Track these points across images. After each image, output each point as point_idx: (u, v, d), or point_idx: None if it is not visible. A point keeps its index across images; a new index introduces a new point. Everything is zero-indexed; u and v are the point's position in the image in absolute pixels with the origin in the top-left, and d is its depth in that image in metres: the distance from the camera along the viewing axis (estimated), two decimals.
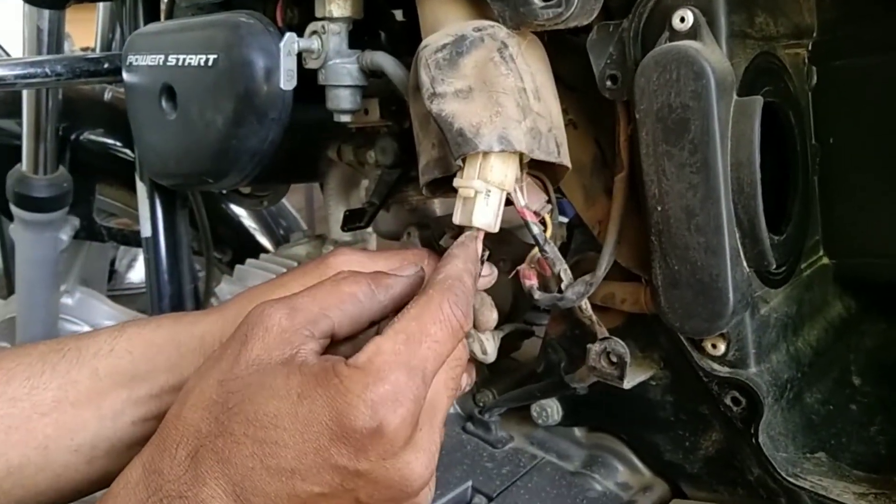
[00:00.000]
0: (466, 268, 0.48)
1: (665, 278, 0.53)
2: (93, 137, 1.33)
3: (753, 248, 0.51)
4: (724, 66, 0.50)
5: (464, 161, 0.52)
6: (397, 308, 0.48)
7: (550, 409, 0.70)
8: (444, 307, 0.44)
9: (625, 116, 0.55)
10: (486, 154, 0.51)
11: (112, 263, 1.94)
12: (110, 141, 1.34)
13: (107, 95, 1.35)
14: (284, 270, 0.98)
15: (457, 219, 0.53)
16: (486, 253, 0.55)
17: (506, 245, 0.81)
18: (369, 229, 1.03)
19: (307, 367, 0.41)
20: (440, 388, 0.45)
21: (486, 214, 0.52)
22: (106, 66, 0.99)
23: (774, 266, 0.53)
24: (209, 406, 0.41)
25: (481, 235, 0.53)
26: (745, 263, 0.52)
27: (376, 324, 0.50)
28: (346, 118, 0.72)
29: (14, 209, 1.22)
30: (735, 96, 0.51)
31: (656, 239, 0.53)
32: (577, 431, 0.71)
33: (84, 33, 1.59)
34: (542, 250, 0.54)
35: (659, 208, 0.52)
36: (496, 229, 0.53)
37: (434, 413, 0.44)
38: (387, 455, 0.40)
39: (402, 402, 0.40)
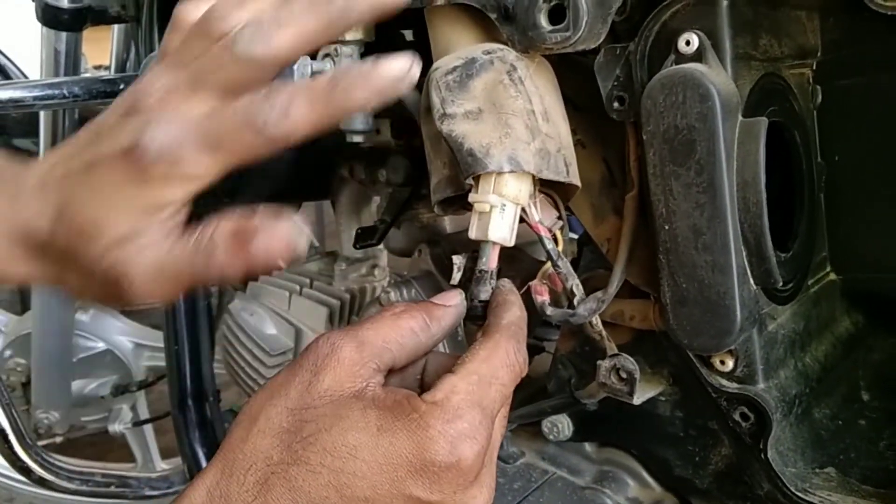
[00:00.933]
0: (524, 315, 0.51)
1: (673, 296, 0.54)
2: None
3: (760, 266, 0.52)
4: (730, 87, 0.51)
5: (475, 180, 0.53)
6: (444, 337, 0.51)
7: (561, 425, 0.70)
8: (510, 353, 0.47)
9: (633, 137, 0.56)
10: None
11: None
12: None
13: None
14: (297, 287, 0.99)
15: (472, 233, 0.54)
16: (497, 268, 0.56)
17: (515, 262, 0.82)
18: (380, 246, 1.04)
19: (380, 400, 0.43)
20: (498, 427, 0.47)
21: (501, 228, 0.53)
22: (122, 87, 1.01)
23: (781, 283, 0.54)
24: (280, 434, 0.42)
25: (497, 249, 0.54)
26: (752, 281, 0.53)
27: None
28: (358, 138, 0.73)
29: None
30: (740, 117, 0.52)
31: (664, 257, 0.53)
32: (588, 447, 0.72)
33: (97, 52, 1.62)
34: (555, 265, 0.55)
35: (667, 227, 0.53)
36: (511, 243, 0.54)
37: (493, 451, 0.47)
38: (458, 489, 0.42)
39: (477, 440, 0.42)
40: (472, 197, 0.54)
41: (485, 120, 0.54)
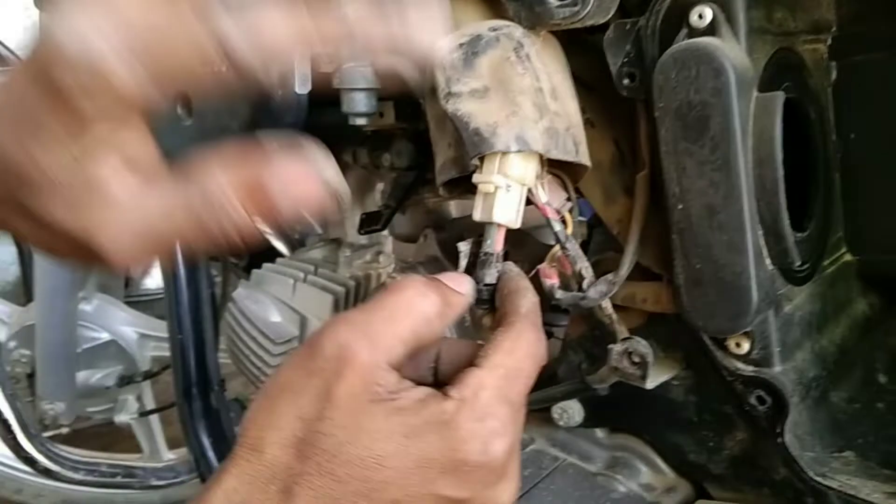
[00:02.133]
0: (538, 301, 0.49)
1: (687, 277, 0.52)
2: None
3: (777, 246, 0.51)
4: (744, 62, 0.50)
5: (481, 160, 0.52)
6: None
7: (572, 411, 0.69)
8: (532, 343, 0.45)
9: (644, 115, 0.55)
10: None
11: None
12: None
13: None
14: (301, 274, 0.98)
15: (477, 215, 0.53)
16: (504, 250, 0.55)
17: (523, 246, 0.81)
18: (385, 232, 1.03)
19: (402, 403, 0.41)
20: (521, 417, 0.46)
21: (506, 210, 0.52)
22: None
23: (798, 263, 0.52)
24: (296, 444, 0.41)
25: (502, 231, 0.52)
26: (768, 261, 0.51)
27: None
28: (361, 121, 0.71)
29: None
30: (755, 92, 0.50)
31: (678, 237, 0.52)
32: (599, 432, 0.71)
33: None
34: (563, 248, 0.54)
35: (680, 206, 0.51)
36: (517, 225, 0.53)
37: (519, 443, 0.46)
38: (488, 485, 0.42)
39: (507, 437, 0.42)
40: (476, 178, 0.53)
41: (491, 98, 0.53)
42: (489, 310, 0.53)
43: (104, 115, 0.35)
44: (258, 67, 0.34)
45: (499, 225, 0.52)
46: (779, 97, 0.49)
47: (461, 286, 0.49)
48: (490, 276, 0.52)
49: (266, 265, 1.06)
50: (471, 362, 0.47)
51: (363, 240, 1.01)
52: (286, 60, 0.35)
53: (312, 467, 0.40)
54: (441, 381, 0.49)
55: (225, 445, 1.00)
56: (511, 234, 0.82)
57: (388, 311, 0.44)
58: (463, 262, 0.56)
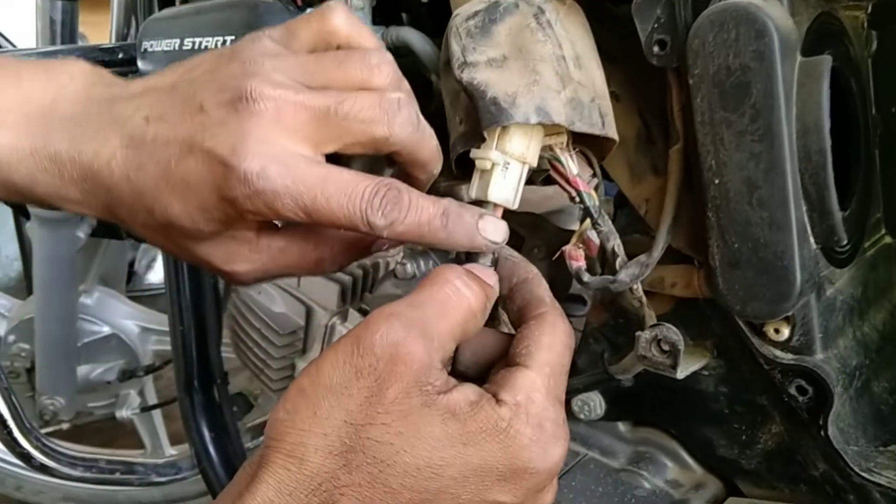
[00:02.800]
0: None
1: (723, 258, 0.49)
2: None
3: (822, 223, 0.47)
4: (788, 23, 0.46)
5: (490, 135, 0.48)
6: None
7: (593, 403, 0.66)
8: (567, 333, 0.44)
9: (676, 84, 0.51)
10: (505, 125, 0.47)
11: (131, 265, 1.93)
12: None
13: None
14: None
15: (472, 193, 0.49)
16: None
17: (540, 231, 0.77)
18: None
19: (457, 408, 0.39)
20: None
21: (503, 189, 0.48)
22: (121, 55, 0.96)
23: (845, 241, 0.48)
24: (343, 453, 0.38)
25: (499, 212, 0.49)
26: (812, 240, 0.48)
27: None
28: None
29: (30, 206, 1.19)
30: (799, 57, 0.46)
31: (713, 215, 0.48)
32: (622, 426, 0.67)
33: (97, 35, 1.57)
34: (595, 224, 0.50)
35: (716, 181, 0.47)
36: (515, 206, 0.49)
37: None
38: (540, 489, 0.41)
39: (565, 439, 0.41)
40: (473, 153, 0.49)
41: (510, 67, 0.49)
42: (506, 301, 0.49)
43: (252, 214, 0.43)
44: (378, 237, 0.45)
45: (495, 205, 0.48)
46: (826, 61, 0.46)
47: (489, 278, 0.46)
48: (483, 258, 0.48)
49: None
50: (498, 355, 0.45)
51: None
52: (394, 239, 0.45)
53: (363, 478, 0.37)
54: (462, 372, 0.45)
55: (227, 441, 0.97)
56: (527, 218, 0.79)
57: (439, 305, 0.41)
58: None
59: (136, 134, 0.43)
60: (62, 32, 1.10)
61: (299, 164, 0.42)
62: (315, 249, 0.48)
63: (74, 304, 1.37)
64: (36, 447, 1.23)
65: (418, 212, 0.43)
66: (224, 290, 1.18)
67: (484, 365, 0.45)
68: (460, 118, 0.53)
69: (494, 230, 0.46)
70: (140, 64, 0.84)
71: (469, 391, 0.40)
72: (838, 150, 0.54)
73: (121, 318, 1.47)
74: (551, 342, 0.42)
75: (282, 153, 0.41)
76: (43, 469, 1.25)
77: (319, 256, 0.49)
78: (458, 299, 0.42)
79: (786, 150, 0.45)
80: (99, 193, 0.44)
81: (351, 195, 0.42)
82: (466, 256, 0.49)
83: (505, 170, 0.48)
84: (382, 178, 0.43)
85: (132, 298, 1.57)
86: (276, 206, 0.41)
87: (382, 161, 0.94)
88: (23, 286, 1.73)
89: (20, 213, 1.30)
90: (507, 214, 0.49)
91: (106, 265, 1.51)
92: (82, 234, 1.26)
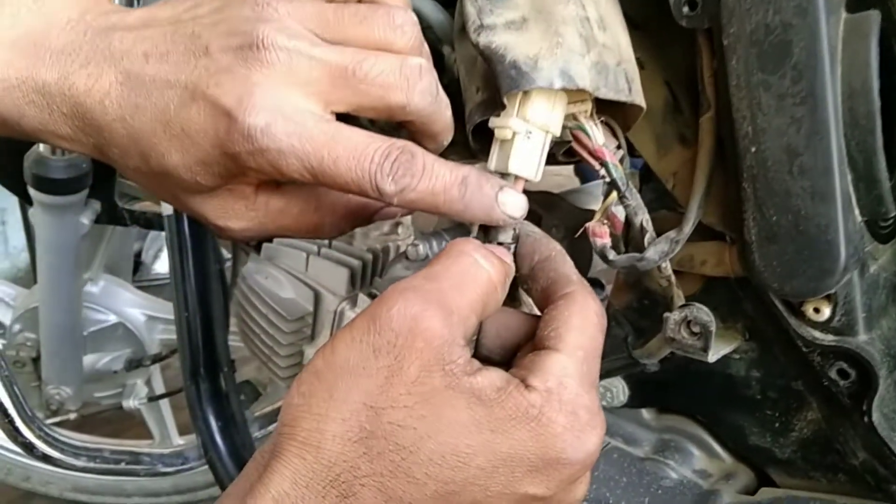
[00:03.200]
0: None
1: (760, 232, 0.45)
2: None
3: (869, 193, 0.44)
4: None
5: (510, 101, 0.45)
6: None
7: (616, 390, 0.63)
8: (599, 314, 0.40)
9: (708, 47, 0.48)
10: (527, 91, 0.44)
11: (138, 255, 1.91)
12: None
13: None
14: (314, 247, 0.92)
15: (492, 165, 0.46)
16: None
17: (558, 211, 0.74)
18: None
19: (483, 392, 0.36)
20: None
21: (525, 160, 0.45)
22: None
23: (893, 213, 0.45)
24: (363, 439, 0.35)
25: (520, 185, 0.45)
26: (857, 211, 0.44)
27: None
28: None
29: (32, 192, 1.17)
30: (844, 13, 0.43)
31: (749, 186, 0.45)
32: (646, 413, 0.64)
33: None
34: (622, 197, 0.47)
35: (753, 149, 0.44)
36: (537, 178, 0.46)
37: None
38: (573, 480, 0.38)
39: (600, 426, 0.38)
40: (492, 122, 0.46)
41: (530, 29, 0.46)
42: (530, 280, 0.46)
43: (256, 170, 0.40)
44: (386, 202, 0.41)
45: (516, 177, 0.45)
46: (874, 16, 0.42)
47: (504, 255, 0.43)
48: (504, 235, 0.45)
49: (277, 239, 1.00)
50: (523, 337, 0.42)
51: None
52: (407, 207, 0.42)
53: (385, 467, 0.35)
54: (485, 356, 0.42)
55: (235, 430, 0.94)
56: (544, 197, 0.75)
57: (457, 278, 0.38)
58: (475, 228, 0.48)
59: (132, 71, 0.40)
60: None
61: (307, 121, 0.39)
62: (315, 212, 0.45)
63: (79, 293, 1.35)
64: (39, 437, 1.21)
65: (433, 179, 0.40)
66: (231, 276, 1.15)
67: (509, 348, 0.42)
68: (477, 87, 0.50)
69: (514, 204, 0.43)
70: None
71: (495, 376, 0.37)
72: (885, 116, 0.51)
73: (127, 306, 1.45)
74: (582, 323, 0.39)
75: (290, 109, 0.38)
76: (46, 459, 1.23)
77: (319, 221, 0.46)
78: (477, 272, 0.39)
79: (830, 113, 0.42)
80: (90, 132, 0.41)
81: (360, 157, 0.38)
82: (484, 233, 0.46)
83: (527, 139, 0.45)
84: (396, 140, 0.40)
85: (140, 289, 1.55)
86: (280, 165, 0.38)
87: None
88: (31, 278, 1.71)
89: (23, 199, 1.27)
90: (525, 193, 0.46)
91: (111, 253, 1.49)
92: (87, 220, 1.23)
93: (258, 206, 0.44)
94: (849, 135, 0.43)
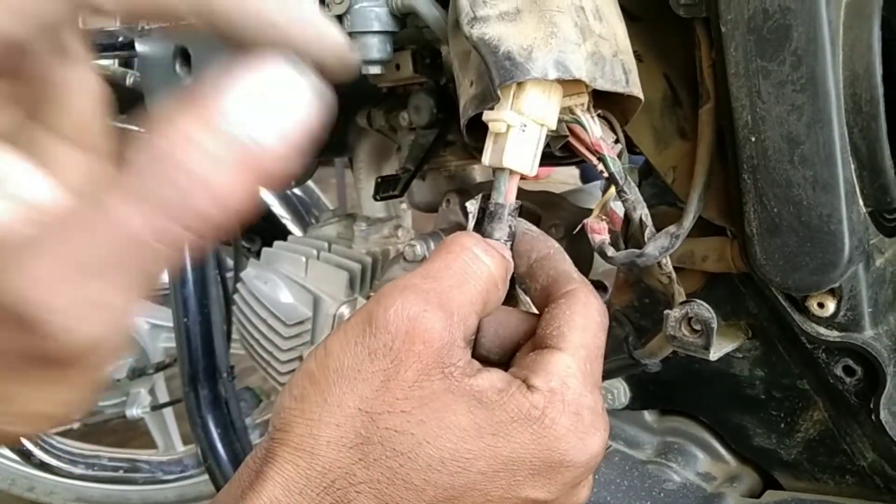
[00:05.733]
0: None
1: (762, 224, 0.44)
2: (114, 123, 1.27)
3: (873, 182, 0.42)
4: None
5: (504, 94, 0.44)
6: None
7: (616, 391, 0.61)
8: (601, 313, 0.39)
9: (706, 37, 0.46)
10: (521, 83, 0.43)
11: None
12: (132, 127, 1.29)
13: (129, 80, 1.29)
14: (314, 251, 0.91)
15: (486, 159, 0.44)
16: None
17: (557, 210, 0.73)
18: (404, 205, 0.95)
19: (483, 394, 0.35)
20: None
21: (519, 154, 0.43)
22: (121, 39, 0.93)
23: None
24: (359, 445, 0.34)
25: (515, 180, 0.44)
26: (861, 201, 0.43)
27: None
28: (375, 70, 0.64)
29: None
30: None
31: (749, 177, 0.44)
32: (648, 415, 0.63)
33: None
34: (620, 192, 0.45)
35: (753, 139, 0.43)
36: (532, 173, 0.44)
37: None
38: (576, 483, 0.37)
39: (604, 428, 0.37)
40: (486, 115, 0.44)
41: (524, 20, 0.45)
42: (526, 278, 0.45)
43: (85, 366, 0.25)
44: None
45: (511, 171, 0.44)
46: (876, 0, 0.41)
47: (503, 250, 0.42)
48: (499, 232, 0.44)
49: (277, 243, 0.99)
50: (522, 336, 0.41)
51: (380, 213, 0.93)
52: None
53: (381, 473, 0.33)
54: (484, 355, 0.41)
55: (234, 437, 0.93)
56: (543, 196, 0.74)
57: (457, 275, 0.37)
58: (471, 223, 0.47)
59: None
60: None
61: None
62: None
63: None
64: (35, 444, 1.20)
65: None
66: (233, 283, 1.14)
67: (507, 347, 0.41)
68: (471, 80, 0.49)
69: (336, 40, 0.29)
70: (137, 45, 0.81)
71: (496, 377, 0.36)
72: (888, 102, 0.50)
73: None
74: (585, 322, 0.38)
75: None
76: (43, 466, 1.22)
77: None
78: (478, 268, 0.37)
79: (832, 100, 0.41)
80: None
81: None
82: (479, 230, 0.45)
83: (522, 132, 0.44)
84: None
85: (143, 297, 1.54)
86: None
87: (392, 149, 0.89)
88: None
89: None
90: (522, 193, 0.45)
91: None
92: None
93: None
94: (851, 122, 0.42)
